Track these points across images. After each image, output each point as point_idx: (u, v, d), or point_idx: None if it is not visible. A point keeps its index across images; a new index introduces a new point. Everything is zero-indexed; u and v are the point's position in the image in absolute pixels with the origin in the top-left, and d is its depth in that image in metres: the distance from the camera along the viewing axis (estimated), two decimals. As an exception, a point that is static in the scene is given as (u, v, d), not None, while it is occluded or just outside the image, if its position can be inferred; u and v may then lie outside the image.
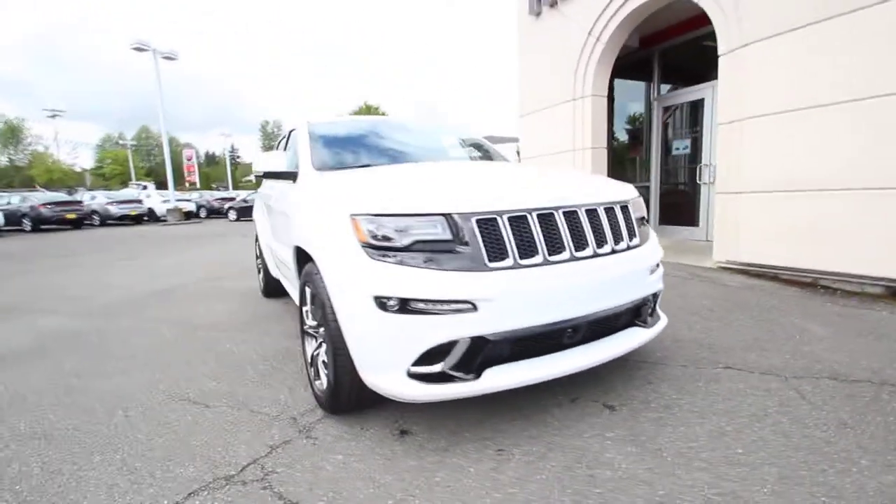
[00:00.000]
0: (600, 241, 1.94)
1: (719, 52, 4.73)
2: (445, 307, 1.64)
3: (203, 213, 24.12)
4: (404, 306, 1.65)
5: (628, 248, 2.04)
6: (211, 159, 78.28)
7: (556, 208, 1.86)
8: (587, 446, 1.78)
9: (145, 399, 2.40)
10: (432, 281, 1.64)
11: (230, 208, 21.96)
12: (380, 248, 1.72)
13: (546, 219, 1.83)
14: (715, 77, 6.59)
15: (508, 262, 1.71)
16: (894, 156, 3.51)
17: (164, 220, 20.82)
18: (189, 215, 22.50)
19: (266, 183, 4.26)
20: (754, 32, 4.33)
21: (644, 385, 2.27)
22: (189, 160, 43.69)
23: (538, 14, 7.15)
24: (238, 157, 73.29)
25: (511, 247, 1.73)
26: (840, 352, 2.59)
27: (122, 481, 1.70)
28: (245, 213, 21.09)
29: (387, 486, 1.60)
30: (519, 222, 1.77)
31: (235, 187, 46.91)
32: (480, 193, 1.83)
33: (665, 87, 7.31)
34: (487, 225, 1.73)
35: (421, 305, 1.64)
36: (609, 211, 2.03)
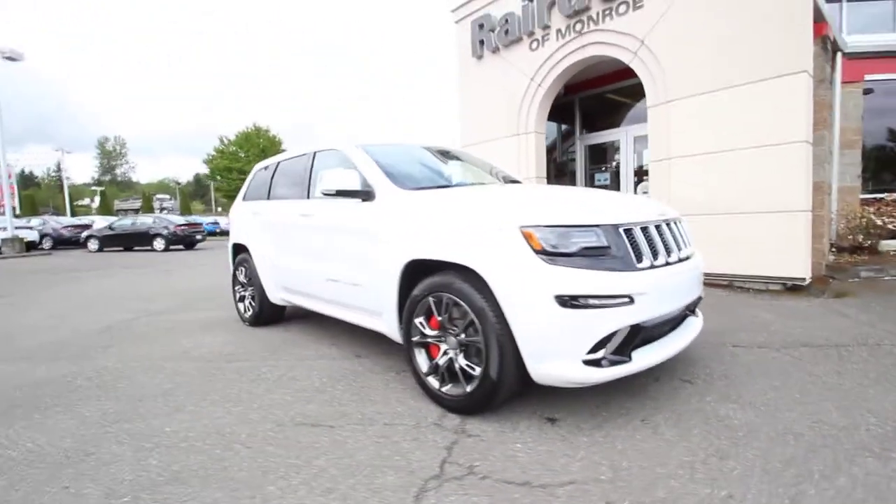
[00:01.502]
0: (679, 248, 2.48)
1: (648, 105, 5.92)
2: (612, 301, 1.98)
3: (48, 244, 19.94)
4: (581, 303, 1.96)
5: (694, 253, 2.62)
6: (29, 180, 65.01)
7: (661, 221, 2.35)
8: (703, 408, 2.25)
9: (256, 430, 2.23)
10: (602, 280, 1.98)
11: (90, 237, 18.61)
12: (553, 254, 2.00)
13: (658, 229, 2.31)
14: (627, 122, 8.01)
15: (647, 262, 2.14)
16: (781, 188, 4.84)
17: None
18: (30, 246, 18.43)
19: (268, 206, 4.07)
20: (675, 93, 5.56)
21: (693, 365, 2.85)
22: (10, 178, 35.74)
23: (480, 57, 7.93)
24: (68, 177, 62.10)
25: (646, 251, 2.16)
26: (793, 329, 3.53)
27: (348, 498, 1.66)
28: (111, 242, 18.11)
29: (584, 458, 1.85)
30: (645, 232, 2.22)
31: (73, 213, 39.66)
32: (618, 209, 2.25)
33: (583, 128, 8.63)
34: (629, 234, 2.14)
35: (593, 301, 1.96)
36: (677, 223, 2.60)
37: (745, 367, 2.78)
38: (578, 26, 6.48)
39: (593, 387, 2.36)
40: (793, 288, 4.89)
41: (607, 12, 6.13)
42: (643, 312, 2.06)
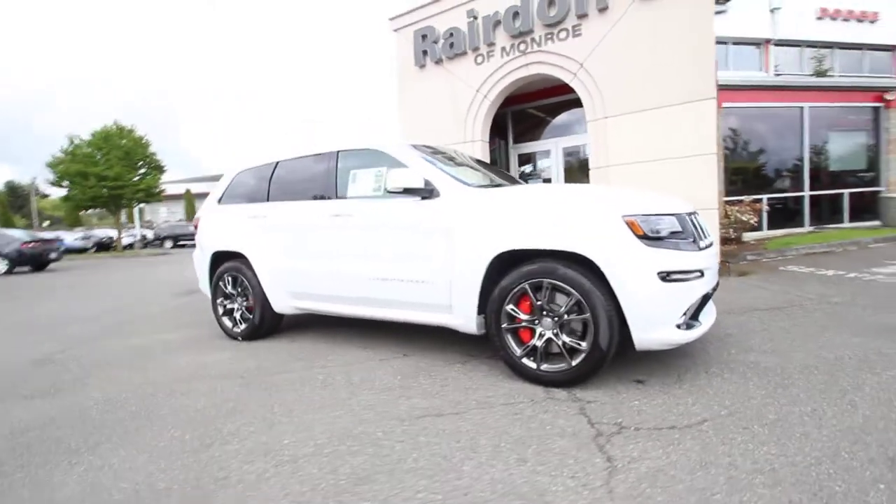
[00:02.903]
0: (706, 235, 3.05)
1: (587, 119, 6.79)
2: (693, 275, 2.43)
3: None
4: (675, 277, 2.37)
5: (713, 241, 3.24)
6: None
7: (694, 212, 2.90)
8: (737, 359, 2.82)
9: (387, 427, 2.20)
10: (687, 258, 2.42)
11: None
12: (651, 238, 2.38)
13: (694, 218, 2.85)
14: (556, 134, 8.94)
15: (703, 244, 2.64)
16: (699, 190, 5.97)
17: None
18: None
19: (275, 208, 3.80)
20: (611, 111, 6.50)
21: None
22: None
23: (423, 66, 8.19)
24: None
25: (699, 235, 2.66)
26: (737, 300, 4.44)
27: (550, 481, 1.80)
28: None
29: (696, 403, 2.24)
30: (693, 220, 2.73)
31: None
32: (676, 201, 2.72)
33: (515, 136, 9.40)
34: (691, 221, 2.62)
35: (683, 276, 2.39)
36: (698, 216, 3.19)
37: (734, 327, 3.50)
38: (522, 46, 7.15)
39: (648, 352, 2.79)
40: (709, 271, 6.07)
41: (549, 36, 6.89)
42: (707, 284, 2.55)
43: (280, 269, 3.74)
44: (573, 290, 2.44)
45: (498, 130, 9.46)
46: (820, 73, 13.98)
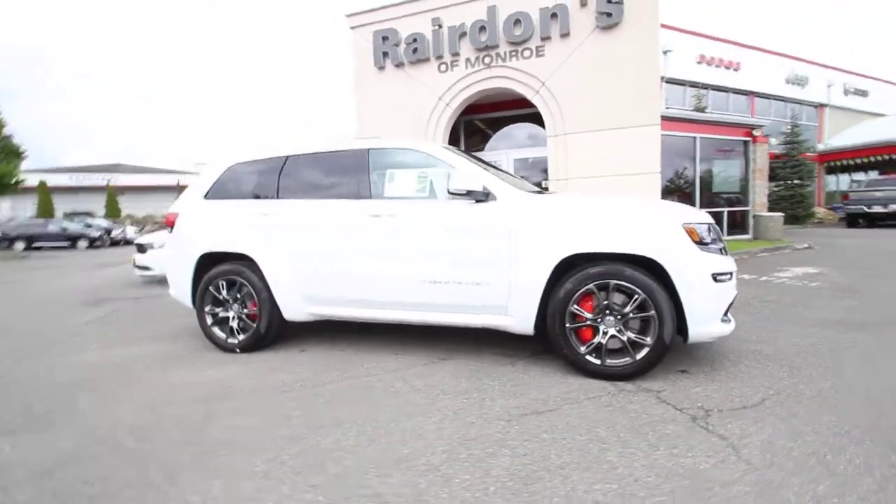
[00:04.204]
0: None
1: (548, 135, 7.29)
2: (731, 276, 2.82)
3: None
4: (721, 279, 2.73)
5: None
6: None
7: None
8: (756, 349, 3.31)
9: (500, 430, 2.20)
10: (727, 261, 2.81)
11: None
12: (702, 243, 2.72)
13: (712, 228, 3.29)
14: (509, 146, 9.38)
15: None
16: (645, 205, 6.77)
17: None
18: None
19: (294, 205, 3.49)
20: (570, 128, 7.08)
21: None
22: None
23: (382, 68, 8.08)
24: None
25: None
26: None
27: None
28: None
29: (749, 385, 2.61)
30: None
31: None
32: (702, 213, 3.11)
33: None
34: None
35: (726, 276, 2.77)
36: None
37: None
38: (487, 59, 7.45)
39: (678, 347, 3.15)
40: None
41: (514, 53, 7.28)
42: (735, 286, 2.98)
43: (298, 272, 3.45)
44: (639, 290, 2.68)
45: (452, 138, 9.66)
46: (699, 109, 16.57)
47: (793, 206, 16.81)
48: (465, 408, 2.44)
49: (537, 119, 8.61)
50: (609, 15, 6.63)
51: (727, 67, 18.03)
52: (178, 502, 1.69)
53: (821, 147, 20.52)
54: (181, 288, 3.88)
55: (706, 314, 2.71)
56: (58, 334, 4.52)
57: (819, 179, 20.94)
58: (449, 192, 2.96)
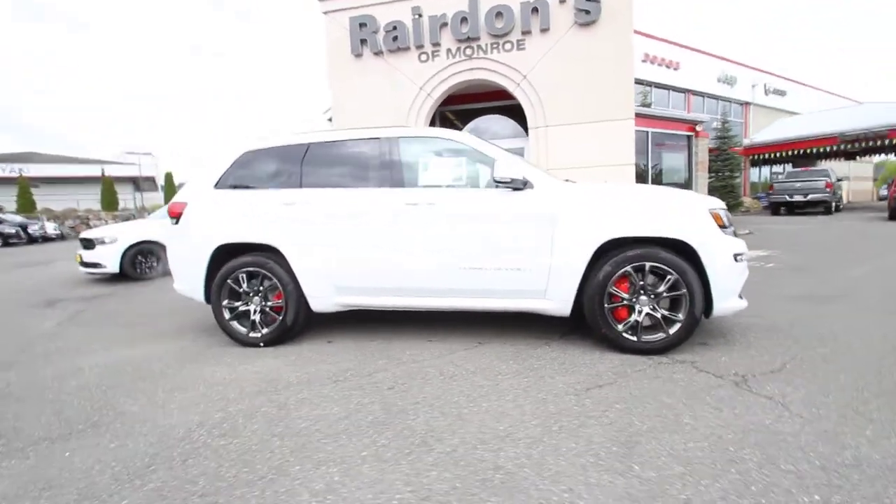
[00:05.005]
0: None
1: (530, 127, 7.51)
2: (744, 256, 3.15)
3: None
4: (739, 259, 3.04)
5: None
6: None
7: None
8: (755, 322, 3.69)
9: (576, 404, 2.34)
10: (741, 243, 3.13)
11: None
12: (724, 227, 3.02)
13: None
14: (488, 138, 9.48)
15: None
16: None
17: None
18: None
19: (323, 194, 3.40)
20: (551, 120, 7.34)
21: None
22: None
23: (360, 55, 7.90)
24: None
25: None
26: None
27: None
28: None
29: (772, 352, 2.94)
30: (723, 215, 3.49)
31: None
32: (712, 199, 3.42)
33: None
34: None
35: (741, 257, 3.09)
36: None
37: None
38: (469, 51, 7.52)
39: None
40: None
41: (495, 46, 7.41)
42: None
43: (328, 263, 3.39)
44: (671, 271, 2.93)
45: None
46: (645, 105, 17.65)
47: (724, 196, 18.44)
48: (530, 386, 2.56)
49: (510, 111, 8.84)
50: (587, 12, 6.92)
51: (668, 66, 19.30)
52: (305, 492, 1.68)
53: (747, 142, 22.56)
54: (191, 282, 3.68)
55: (728, 290, 3.02)
56: (37, 339, 4.11)
57: (745, 172, 23.05)
58: (495, 181, 3.04)
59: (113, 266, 8.03)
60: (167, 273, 8.39)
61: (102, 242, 8.21)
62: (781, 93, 24.91)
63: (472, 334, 3.58)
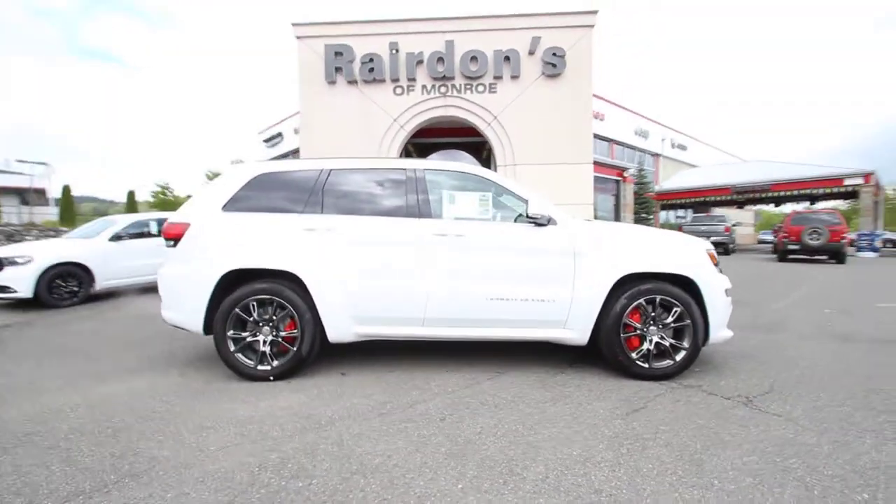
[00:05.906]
0: None
1: (498, 164, 7.95)
2: (729, 292, 3.62)
3: None
4: (728, 294, 3.49)
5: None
6: None
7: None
8: (744, 336, 4.17)
9: (622, 429, 2.50)
10: (727, 280, 3.59)
11: None
12: (716, 265, 3.46)
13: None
14: None
15: (714, 271, 3.90)
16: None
17: None
18: None
19: (350, 221, 3.36)
20: (519, 160, 7.83)
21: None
22: None
23: (333, 83, 7.91)
24: None
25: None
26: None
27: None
28: None
29: (756, 374, 3.36)
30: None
31: None
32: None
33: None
34: (711, 255, 3.85)
35: (729, 292, 3.55)
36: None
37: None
38: (443, 89, 7.86)
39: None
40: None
41: (468, 86, 7.83)
42: (727, 299, 3.81)
43: (351, 291, 3.32)
44: (677, 303, 3.29)
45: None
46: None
47: (644, 235, 20.53)
48: (576, 412, 2.70)
49: (472, 148, 9.28)
50: (553, 66, 7.62)
51: (596, 117, 21.38)
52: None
53: (657, 188, 25.44)
54: (190, 310, 3.38)
55: (721, 321, 3.44)
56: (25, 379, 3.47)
57: (657, 214, 25.84)
58: (528, 217, 3.24)
59: (26, 291, 7.01)
60: (89, 299, 7.48)
61: (14, 263, 7.16)
62: (684, 147, 28.61)
63: (487, 364, 3.65)
